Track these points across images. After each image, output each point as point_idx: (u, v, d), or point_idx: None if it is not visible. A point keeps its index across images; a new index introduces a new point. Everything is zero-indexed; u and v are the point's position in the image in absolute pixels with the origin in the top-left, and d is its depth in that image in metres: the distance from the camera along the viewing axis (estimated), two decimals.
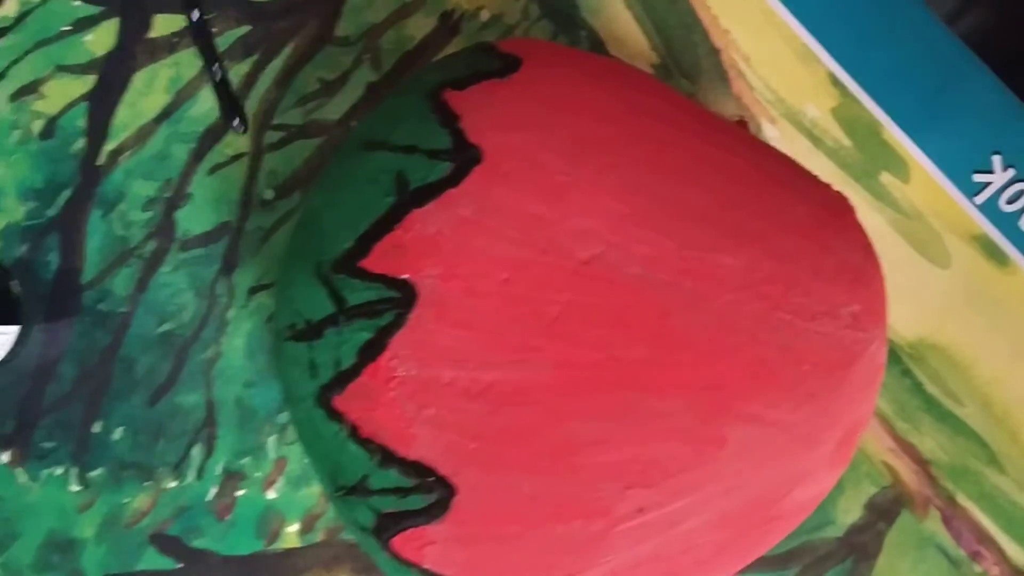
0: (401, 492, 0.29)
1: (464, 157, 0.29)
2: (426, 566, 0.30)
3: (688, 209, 0.29)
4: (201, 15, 0.28)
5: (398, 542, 0.30)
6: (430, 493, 0.29)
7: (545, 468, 0.29)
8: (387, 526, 0.30)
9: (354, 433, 0.30)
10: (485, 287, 0.29)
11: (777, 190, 0.31)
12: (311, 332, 0.31)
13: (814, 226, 0.31)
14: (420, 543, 0.30)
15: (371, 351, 0.29)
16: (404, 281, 0.29)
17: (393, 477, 0.29)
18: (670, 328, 0.29)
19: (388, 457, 0.29)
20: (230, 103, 0.29)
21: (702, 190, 0.30)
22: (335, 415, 0.30)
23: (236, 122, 0.29)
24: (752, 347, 0.29)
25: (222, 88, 0.28)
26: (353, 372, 0.29)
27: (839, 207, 0.32)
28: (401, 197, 0.30)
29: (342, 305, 0.30)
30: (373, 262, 0.29)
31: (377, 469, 0.30)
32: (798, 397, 0.30)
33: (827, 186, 0.32)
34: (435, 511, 0.29)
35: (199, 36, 0.28)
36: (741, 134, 0.32)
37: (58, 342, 0.39)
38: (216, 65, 0.29)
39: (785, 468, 0.30)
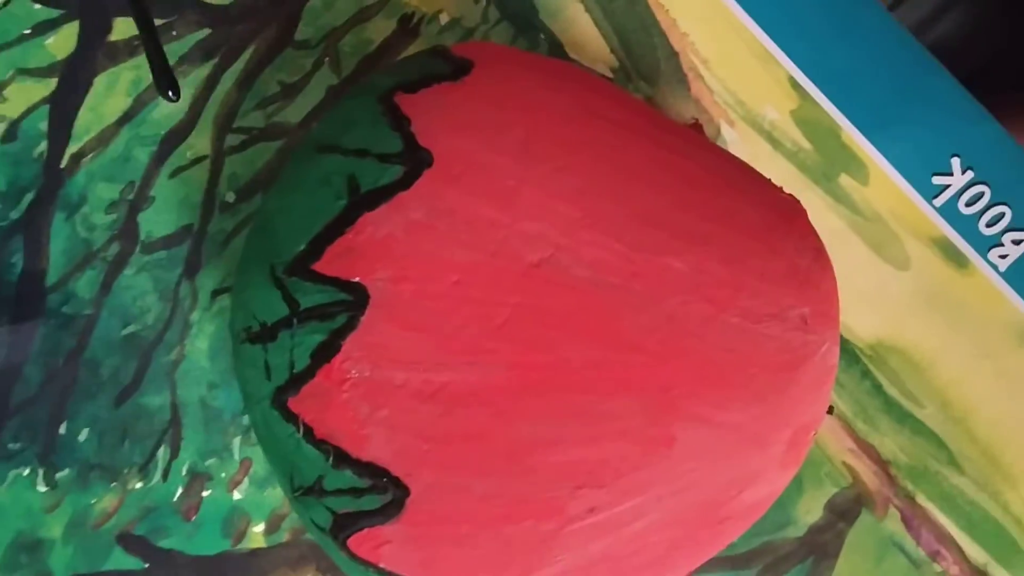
0: (356, 492, 0.30)
1: (415, 160, 0.29)
2: (382, 565, 0.30)
3: (638, 212, 0.29)
4: None
5: (354, 542, 0.30)
6: (384, 493, 0.29)
7: (497, 469, 0.29)
8: (343, 526, 0.30)
9: (308, 434, 0.30)
10: (436, 289, 0.29)
11: (728, 193, 0.31)
12: (265, 334, 0.31)
13: (763, 229, 0.31)
14: (376, 543, 0.30)
15: (324, 353, 0.29)
16: (356, 284, 0.29)
17: (348, 478, 0.29)
18: (619, 330, 0.29)
19: (342, 458, 0.29)
20: (164, 71, 0.29)
21: (652, 193, 0.30)
22: (290, 416, 0.30)
23: (171, 92, 0.29)
24: (700, 349, 0.29)
25: (156, 57, 0.28)
26: (307, 374, 0.29)
27: (790, 210, 0.32)
28: (353, 200, 0.30)
29: (295, 307, 0.30)
30: (325, 265, 0.29)
31: (332, 470, 0.30)
32: (746, 398, 0.30)
33: (779, 189, 0.33)
34: (390, 511, 0.29)
35: (135, 4, 0.28)
36: (694, 137, 0.32)
37: (23, 344, 0.40)
38: (149, 33, 0.28)
39: (735, 468, 0.30)
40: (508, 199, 0.29)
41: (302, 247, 0.30)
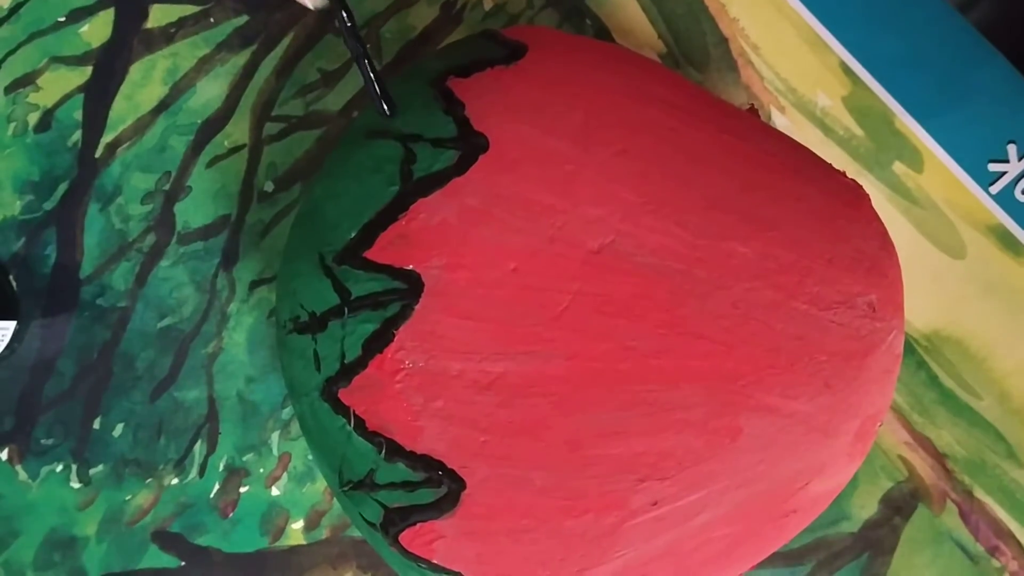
0: (409, 486, 0.29)
1: (470, 145, 0.29)
2: (436, 561, 0.29)
3: (700, 197, 0.29)
4: (350, 14, 0.29)
5: (407, 537, 0.29)
6: (439, 487, 0.29)
7: (556, 461, 0.28)
8: (395, 521, 0.29)
9: (360, 426, 0.29)
10: (492, 277, 0.28)
11: (790, 178, 0.30)
12: (315, 324, 0.30)
13: (829, 214, 0.30)
14: (429, 538, 0.29)
15: (377, 343, 0.28)
16: (409, 272, 0.28)
17: (401, 471, 0.29)
18: (683, 318, 0.28)
19: (395, 450, 0.29)
20: (383, 93, 0.30)
21: (714, 177, 0.29)
22: (341, 408, 0.29)
23: (388, 110, 0.30)
24: (767, 337, 0.29)
25: (376, 81, 0.30)
26: (359, 364, 0.29)
27: (854, 195, 0.31)
28: (406, 186, 0.29)
29: (346, 296, 0.29)
30: (377, 252, 0.29)
31: (384, 463, 0.29)
32: (815, 387, 0.29)
33: (841, 174, 0.32)
34: (444, 505, 0.29)
35: (349, 35, 0.29)
36: (752, 121, 0.32)
37: (56, 337, 0.39)
38: (365, 60, 0.29)
39: (802, 460, 0.30)
40: (567, 184, 0.28)
41: (353, 234, 0.29)
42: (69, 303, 0.39)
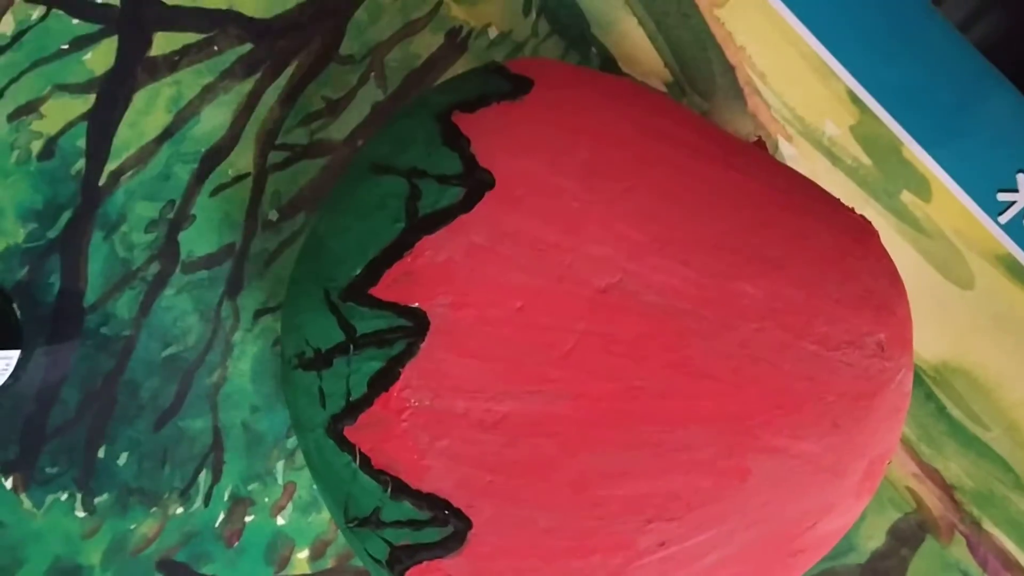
0: (415, 524, 0.29)
1: (476, 182, 0.29)
2: None
3: (707, 236, 0.29)
4: None
5: (413, 575, 0.29)
6: (445, 526, 0.28)
7: (563, 501, 0.28)
8: (401, 559, 0.29)
9: (366, 464, 0.29)
10: (499, 316, 0.28)
11: (798, 215, 0.30)
12: (320, 361, 0.30)
13: (837, 252, 0.30)
14: None
15: (383, 381, 0.28)
16: (415, 309, 0.28)
17: (407, 509, 0.29)
18: (690, 358, 0.28)
19: (401, 489, 0.29)
20: None
21: (721, 216, 0.29)
22: (346, 445, 0.29)
23: None
24: (775, 377, 0.28)
25: None
26: (364, 402, 0.29)
27: (862, 232, 0.31)
28: (411, 223, 0.29)
29: (352, 334, 0.29)
30: (383, 290, 0.29)
31: (390, 501, 0.29)
32: (823, 428, 0.29)
33: (850, 210, 0.32)
34: (451, 544, 0.29)
35: None
36: (760, 156, 0.32)
37: (60, 366, 0.39)
38: None
39: (810, 500, 0.29)
40: (573, 222, 0.28)
41: (358, 271, 0.29)
42: (73, 331, 0.39)
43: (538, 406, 0.28)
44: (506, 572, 0.29)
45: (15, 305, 0.38)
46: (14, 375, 0.38)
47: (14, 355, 0.37)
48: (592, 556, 0.28)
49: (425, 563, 0.29)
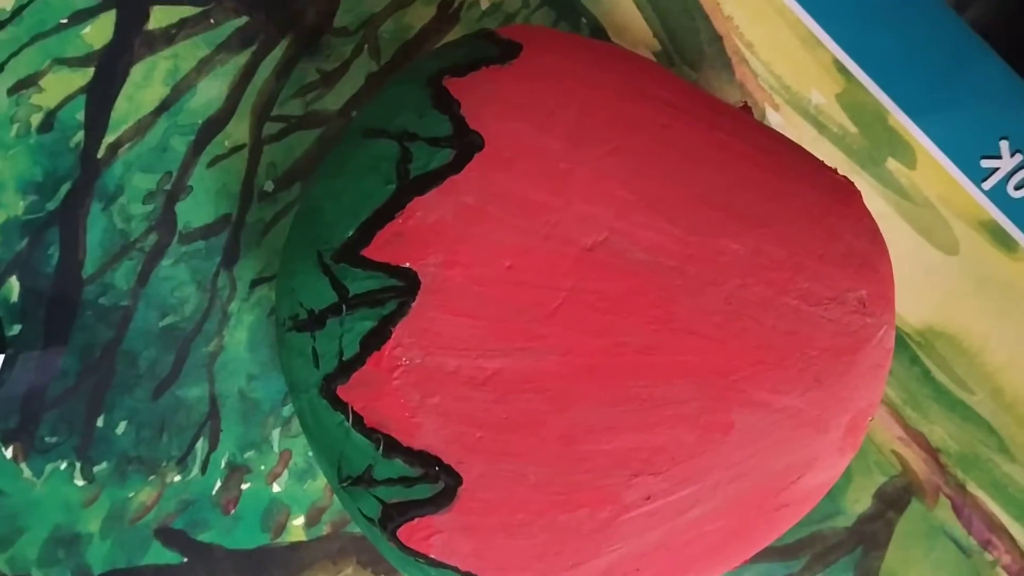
0: (406, 482, 0.29)
1: (465, 143, 0.29)
2: (433, 555, 0.30)
3: (692, 194, 0.29)
4: None
5: (404, 532, 0.30)
6: (436, 482, 0.29)
7: (551, 456, 0.29)
8: (393, 516, 0.30)
9: (358, 422, 0.29)
10: (488, 274, 0.28)
11: (782, 174, 0.30)
12: (313, 322, 0.30)
13: (820, 211, 0.30)
14: (426, 533, 0.30)
15: (374, 340, 0.29)
16: (406, 269, 0.29)
17: (398, 466, 0.29)
18: (675, 314, 0.28)
19: (393, 446, 0.29)
20: None
21: (706, 175, 0.29)
22: (339, 405, 0.30)
23: None
24: (758, 332, 0.29)
25: None
26: (357, 361, 0.29)
27: (845, 192, 0.31)
28: (402, 184, 0.29)
29: (344, 294, 0.30)
30: (375, 251, 0.29)
31: (382, 459, 0.29)
32: (805, 382, 0.29)
33: (833, 171, 0.32)
34: (441, 500, 0.29)
35: None
36: (745, 119, 0.32)
37: (48, 369, 0.39)
38: None
39: (793, 454, 0.30)
40: (561, 182, 0.29)
41: (350, 233, 0.30)
42: (71, 302, 0.39)
43: (527, 362, 0.28)
44: (495, 527, 0.29)
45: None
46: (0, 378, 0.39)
47: None
48: (579, 510, 0.29)
49: (416, 520, 0.29)
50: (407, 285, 0.28)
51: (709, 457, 0.29)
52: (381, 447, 0.29)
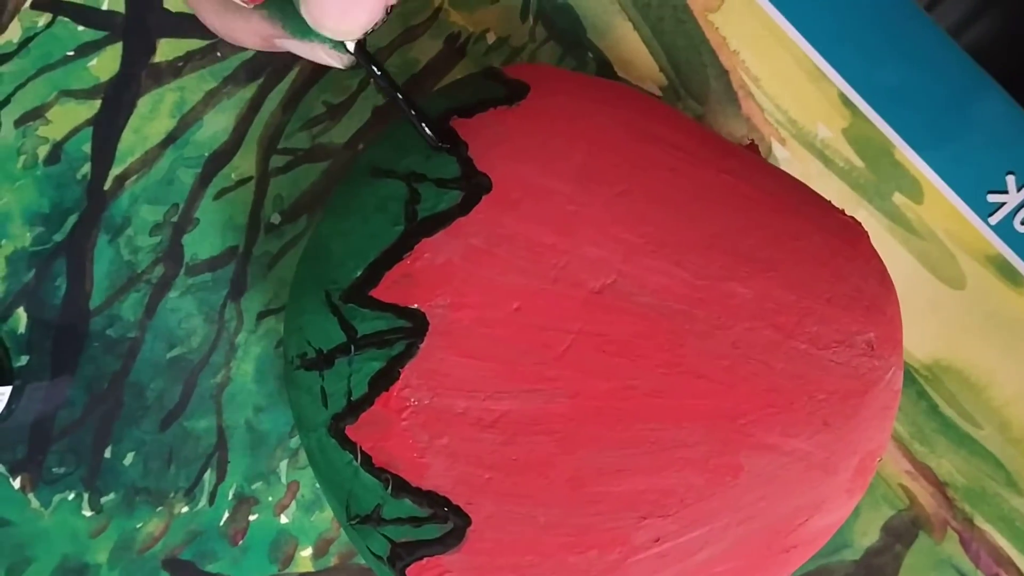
0: (415, 521, 0.29)
1: (473, 186, 0.29)
2: None
3: (699, 238, 0.29)
4: (379, 66, 0.29)
5: (413, 571, 0.30)
6: (444, 523, 0.29)
7: (560, 498, 0.29)
8: (401, 555, 0.30)
9: (367, 462, 0.30)
10: (496, 317, 0.28)
11: (790, 217, 0.31)
12: (322, 361, 0.30)
13: (828, 253, 0.30)
14: (435, 572, 0.30)
15: (383, 380, 0.29)
16: (414, 310, 0.29)
17: (407, 506, 0.29)
18: (683, 357, 0.29)
19: (401, 486, 0.29)
20: (431, 128, 0.30)
21: (713, 218, 0.30)
22: (347, 444, 0.30)
23: (440, 143, 0.30)
24: (767, 376, 0.29)
25: (420, 119, 0.30)
26: (365, 401, 0.29)
27: (853, 233, 0.31)
28: (410, 226, 0.29)
29: (353, 334, 0.30)
30: (383, 291, 0.29)
31: (390, 498, 0.29)
32: (814, 425, 0.29)
33: (840, 211, 0.32)
34: (450, 541, 0.29)
35: (383, 84, 0.29)
36: (752, 159, 0.32)
37: (55, 400, 0.39)
38: (404, 100, 0.30)
39: (802, 496, 0.30)
40: (568, 225, 0.29)
41: (359, 273, 0.30)
42: (79, 334, 0.39)
43: (535, 405, 0.28)
44: (505, 568, 0.29)
45: (5, 343, 0.39)
46: (7, 409, 0.39)
47: (6, 391, 0.38)
48: (589, 552, 0.29)
49: (425, 559, 0.29)
50: (415, 326, 0.29)
51: (718, 500, 0.29)
52: (390, 487, 0.29)
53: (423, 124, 0.30)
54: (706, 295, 0.29)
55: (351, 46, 0.27)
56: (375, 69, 0.29)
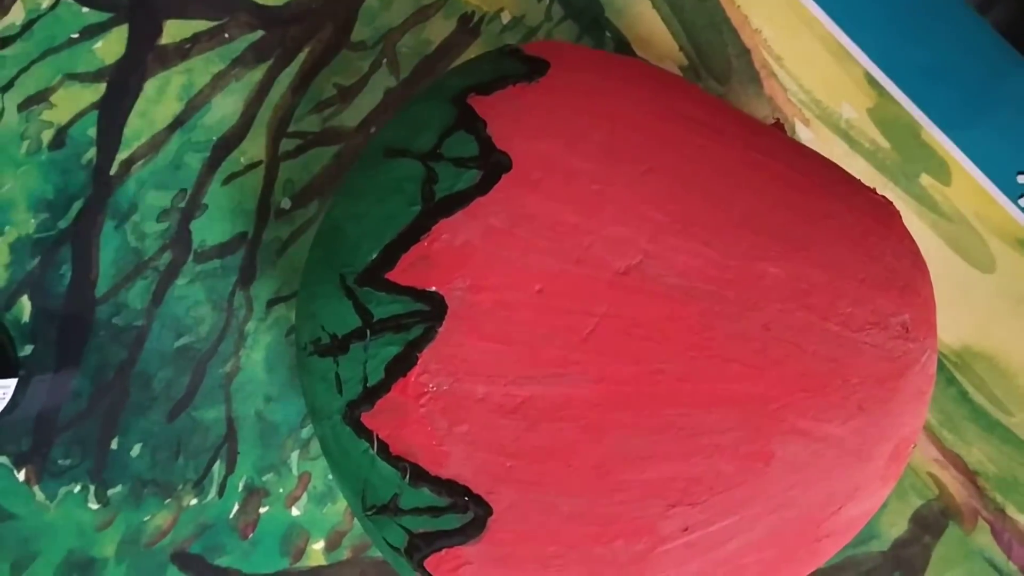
0: (434, 511, 0.28)
1: (492, 164, 0.28)
2: None
3: (729, 216, 0.28)
4: None
5: (432, 563, 0.29)
6: (465, 512, 0.28)
7: (585, 486, 0.28)
8: (419, 546, 0.29)
9: (384, 451, 0.29)
10: (518, 299, 0.28)
11: (820, 195, 0.30)
12: (336, 347, 0.30)
13: (860, 232, 0.29)
14: (455, 564, 0.29)
15: (400, 366, 0.28)
16: (432, 293, 0.28)
17: (426, 496, 0.28)
18: (713, 340, 0.28)
19: (420, 475, 0.28)
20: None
21: (743, 196, 0.29)
22: (363, 432, 0.29)
23: None
24: (800, 359, 0.28)
25: None
26: (382, 387, 0.28)
27: (885, 212, 0.31)
28: (427, 206, 0.28)
29: (368, 319, 0.29)
30: (400, 274, 0.28)
31: (408, 488, 0.28)
32: (848, 410, 0.28)
33: (871, 191, 0.31)
34: (471, 531, 0.28)
35: None
36: (779, 137, 0.31)
37: (60, 390, 0.38)
38: None
39: (835, 484, 0.29)
40: (592, 204, 0.28)
41: (374, 256, 0.29)
42: (84, 322, 0.39)
43: (559, 390, 0.28)
44: (527, 559, 0.28)
45: (10, 334, 0.38)
46: (12, 401, 0.38)
47: (11, 384, 0.37)
48: (615, 542, 0.28)
49: (444, 550, 0.29)
50: (433, 309, 0.28)
51: (749, 487, 0.28)
52: (408, 476, 0.28)
53: None
54: (736, 276, 0.28)
55: None
56: None
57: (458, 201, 0.28)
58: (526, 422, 0.28)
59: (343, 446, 0.30)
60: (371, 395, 0.29)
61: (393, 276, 0.28)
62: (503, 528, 0.28)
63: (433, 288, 0.28)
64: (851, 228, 0.29)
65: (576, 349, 0.28)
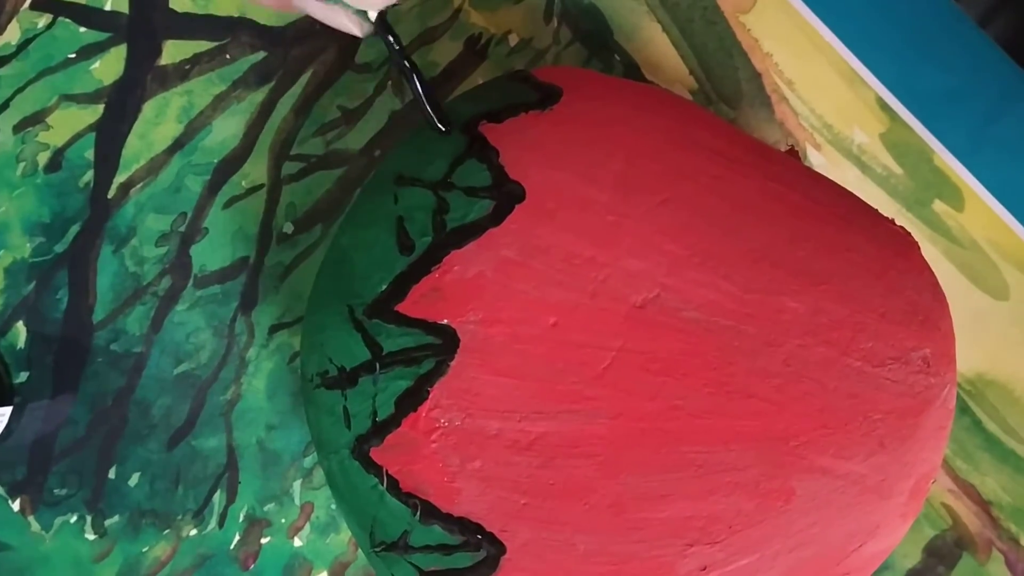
0: (446, 549, 0.28)
1: (505, 194, 0.28)
2: None
3: (748, 249, 0.28)
4: (396, 36, 0.29)
5: None
6: (477, 551, 0.28)
7: (601, 524, 0.27)
8: None
9: (393, 487, 0.28)
10: (532, 333, 0.27)
11: (839, 227, 0.29)
12: (344, 380, 0.29)
13: (880, 266, 0.29)
14: None
15: (410, 400, 0.27)
16: (444, 326, 0.27)
17: (437, 533, 0.28)
18: (732, 376, 0.27)
19: (431, 512, 0.28)
20: (437, 110, 0.29)
21: (761, 229, 0.28)
22: (372, 467, 0.28)
23: (443, 127, 0.30)
24: (820, 395, 0.28)
25: (428, 100, 0.29)
26: (392, 422, 0.28)
27: (904, 244, 0.30)
28: (439, 237, 0.28)
29: (378, 352, 0.28)
30: (410, 306, 0.28)
31: (419, 525, 0.28)
32: (869, 447, 0.28)
33: (890, 221, 0.31)
34: (483, 570, 0.28)
35: (397, 56, 0.29)
36: (795, 165, 0.31)
37: (56, 418, 0.38)
38: (416, 78, 0.29)
39: (855, 522, 0.29)
40: (608, 236, 0.27)
41: (384, 287, 0.28)
42: (81, 349, 0.38)
43: (574, 426, 0.27)
44: None
45: (5, 361, 0.37)
46: (8, 428, 0.37)
47: (6, 411, 0.36)
48: None
49: None
50: (445, 343, 0.27)
51: (769, 526, 0.28)
52: (418, 513, 0.28)
53: (429, 107, 0.29)
54: (755, 310, 0.27)
55: (373, 15, 0.27)
56: (392, 40, 0.28)
57: (470, 232, 0.28)
58: (540, 459, 0.27)
59: (351, 481, 0.29)
60: (380, 430, 0.28)
61: (403, 308, 0.28)
62: (517, 567, 0.28)
63: (445, 321, 0.27)
64: (871, 261, 0.29)
65: (592, 384, 0.27)
